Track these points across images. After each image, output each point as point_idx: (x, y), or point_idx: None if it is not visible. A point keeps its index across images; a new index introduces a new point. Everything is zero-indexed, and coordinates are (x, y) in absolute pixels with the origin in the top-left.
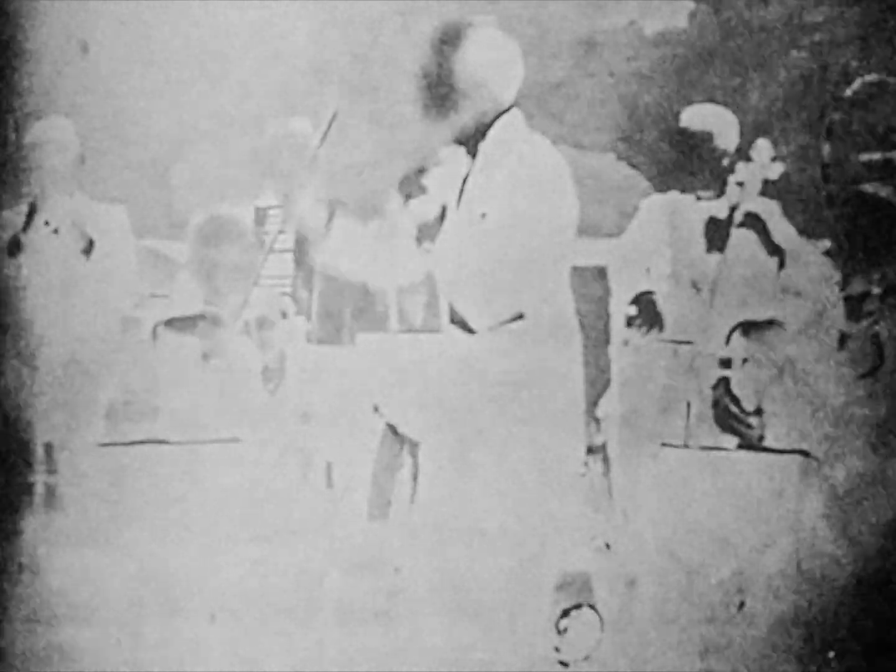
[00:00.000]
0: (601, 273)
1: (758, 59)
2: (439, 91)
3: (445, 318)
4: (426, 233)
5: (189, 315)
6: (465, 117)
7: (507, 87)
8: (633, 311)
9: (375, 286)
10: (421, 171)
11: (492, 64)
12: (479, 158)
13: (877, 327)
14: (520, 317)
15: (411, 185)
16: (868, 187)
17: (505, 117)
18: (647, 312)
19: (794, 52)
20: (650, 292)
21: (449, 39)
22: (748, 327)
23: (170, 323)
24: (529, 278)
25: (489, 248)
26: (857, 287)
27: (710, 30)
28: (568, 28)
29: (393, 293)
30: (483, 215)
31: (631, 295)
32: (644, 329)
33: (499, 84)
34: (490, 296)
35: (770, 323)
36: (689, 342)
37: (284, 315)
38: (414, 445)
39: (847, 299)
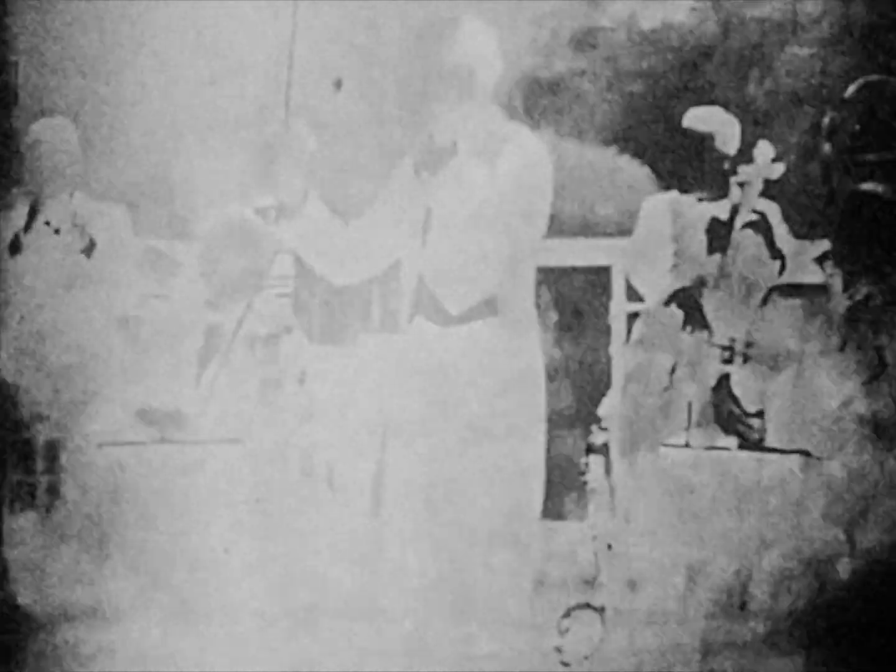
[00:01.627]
0: (602, 273)
1: (758, 54)
2: (429, 87)
3: (405, 315)
4: (426, 162)
5: (159, 410)
6: (454, 113)
7: (490, 81)
8: (679, 314)
9: (338, 280)
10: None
11: (477, 59)
12: (461, 151)
13: (880, 336)
14: (492, 309)
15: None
16: (868, 187)
17: (485, 112)
18: (692, 311)
19: (795, 47)
20: (685, 288)
21: (436, 35)
22: (790, 290)
23: (141, 413)
24: (501, 269)
25: (466, 236)
26: (859, 292)
27: (710, 24)
28: (566, 23)
29: (377, 294)
30: (462, 204)
31: (634, 295)
32: (692, 329)
33: (483, 79)
34: (465, 281)
35: (818, 287)
36: (730, 347)
37: (289, 331)
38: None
39: (850, 303)
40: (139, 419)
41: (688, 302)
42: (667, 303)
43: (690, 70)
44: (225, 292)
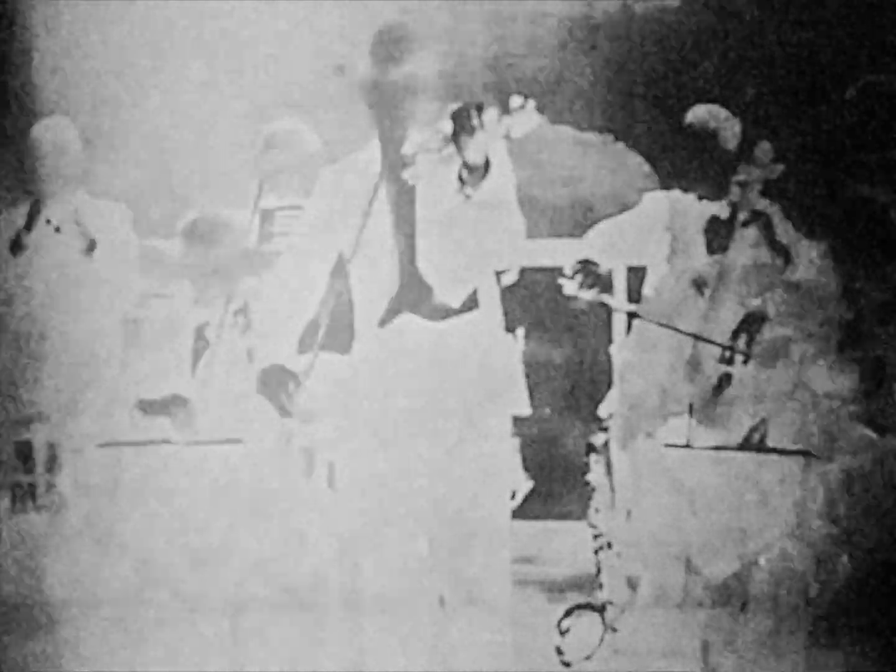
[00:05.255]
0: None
1: (753, 39)
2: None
3: (388, 313)
4: (471, 178)
5: (159, 398)
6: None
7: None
8: (574, 271)
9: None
10: (479, 107)
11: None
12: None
13: (879, 343)
14: (475, 304)
15: (465, 119)
16: (864, 189)
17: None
18: (588, 273)
19: (788, 30)
20: (589, 260)
21: (394, 47)
22: (790, 289)
23: (141, 405)
24: (481, 264)
25: (457, 231)
26: (858, 298)
27: (703, 8)
28: (560, 12)
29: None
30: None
31: (633, 296)
32: (588, 283)
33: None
34: (459, 274)
35: (817, 287)
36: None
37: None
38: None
39: (851, 313)
40: (140, 411)
41: (592, 274)
42: (572, 275)
43: (685, 54)
44: (206, 289)
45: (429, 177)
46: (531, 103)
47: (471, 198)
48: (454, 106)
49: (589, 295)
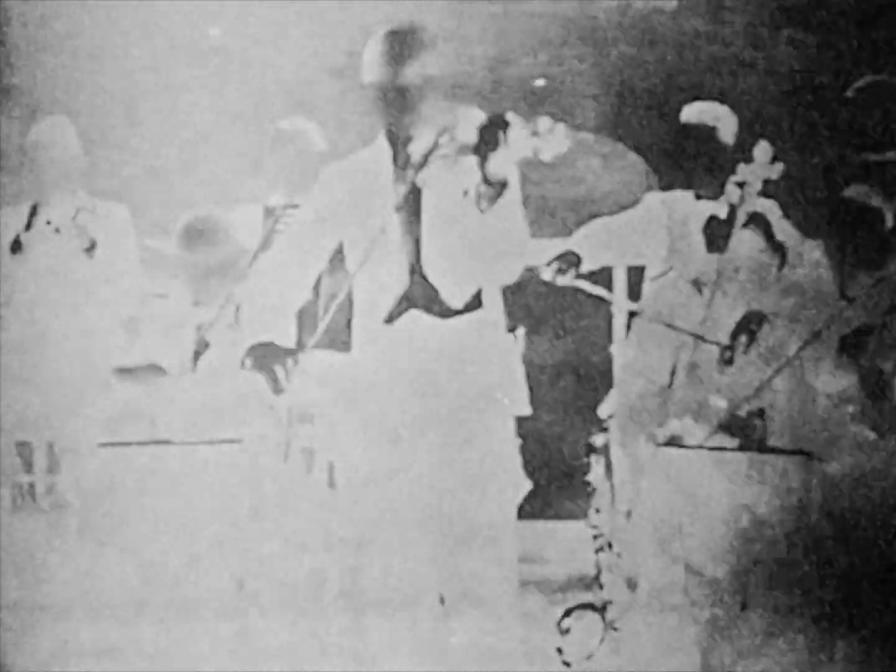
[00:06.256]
0: (603, 272)
1: (752, 39)
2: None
3: (395, 311)
4: (487, 193)
5: (134, 366)
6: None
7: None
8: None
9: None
10: (505, 122)
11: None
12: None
13: (878, 351)
14: (479, 304)
15: (491, 134)
16: (855, 193)
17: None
18: (564, 259)
19: (786, 30)
20: (571, 252)
21: (404, 47)
22: (789, 289)
23: (119, 371)
24: (485, 264)
25: (460, 230)
26: (854, 307)
27: (702, 8)
28: (560, 12)
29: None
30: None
31: (632, 296)
32: (565, 267)
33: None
34: (462, 274)
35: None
36: (703, 338)
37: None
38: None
39: (845, 336)
40: (121, 378)
41: (568, 261)
42: (549, 263)
43: (682, 52)
44: (206, 289)
45: (439, 181)
46: (561, 126)
47: (484, 213)
48: (468, 112)
49: (564, 280)
